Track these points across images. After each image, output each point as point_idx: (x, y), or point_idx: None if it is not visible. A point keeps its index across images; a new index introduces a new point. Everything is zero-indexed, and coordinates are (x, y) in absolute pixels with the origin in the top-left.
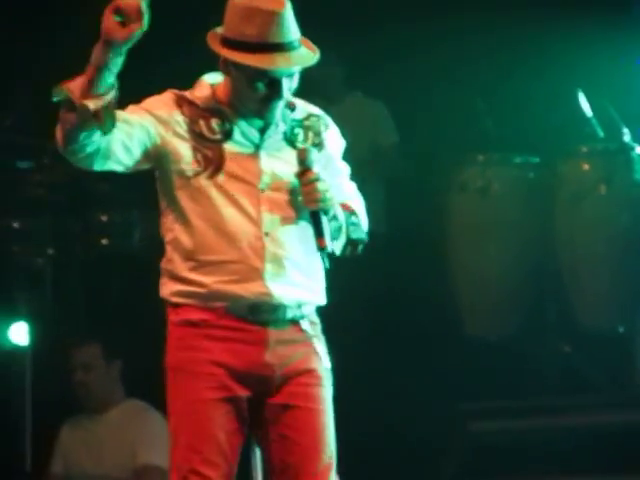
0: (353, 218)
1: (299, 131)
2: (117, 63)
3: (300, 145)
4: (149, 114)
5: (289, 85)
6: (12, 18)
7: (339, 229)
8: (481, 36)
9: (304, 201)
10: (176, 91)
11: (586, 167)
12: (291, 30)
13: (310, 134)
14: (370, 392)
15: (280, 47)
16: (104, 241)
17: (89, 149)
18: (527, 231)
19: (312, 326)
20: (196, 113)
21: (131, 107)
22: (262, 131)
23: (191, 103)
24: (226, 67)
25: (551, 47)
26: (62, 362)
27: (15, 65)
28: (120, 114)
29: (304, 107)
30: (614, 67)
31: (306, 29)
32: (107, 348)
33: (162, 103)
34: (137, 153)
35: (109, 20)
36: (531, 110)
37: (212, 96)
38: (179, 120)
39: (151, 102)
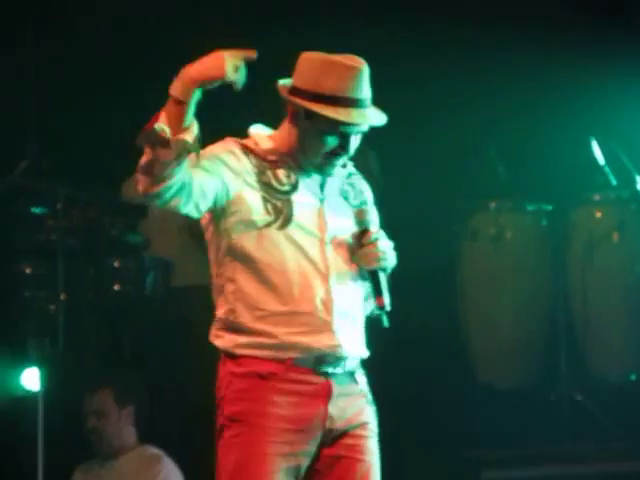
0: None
1: (348, 188)
2: (196, 98)
3: (352, 201)
4: (221, 162)
5: (356, 142)
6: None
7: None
8: (494, 83)
9: (363, 261)
10: (238, 139)
11: (599, 215)
12: (367, 88)
13: (356, 191)
14: (382, 440)
15: (356, 103)
16: (116, 287)
17: (176, 187)
18: (540, 279)
19: (362, 379)
20: (261, 164)
21: (206, 155)
22: (322, 186)
23: (256, 153)
24: (296, 118)
25: (564, 94)
26: (74, 408)
27: (28, 111)
28: (194, 160)
29: (349, 165)
30: (627, 115)
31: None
32: (119, 393)
33: (230, 152)
34: (211, 199)
35: (226, 61)
36: (544, 157)
37: (274, 148)
38: (249, 169)
39: (219, 150)
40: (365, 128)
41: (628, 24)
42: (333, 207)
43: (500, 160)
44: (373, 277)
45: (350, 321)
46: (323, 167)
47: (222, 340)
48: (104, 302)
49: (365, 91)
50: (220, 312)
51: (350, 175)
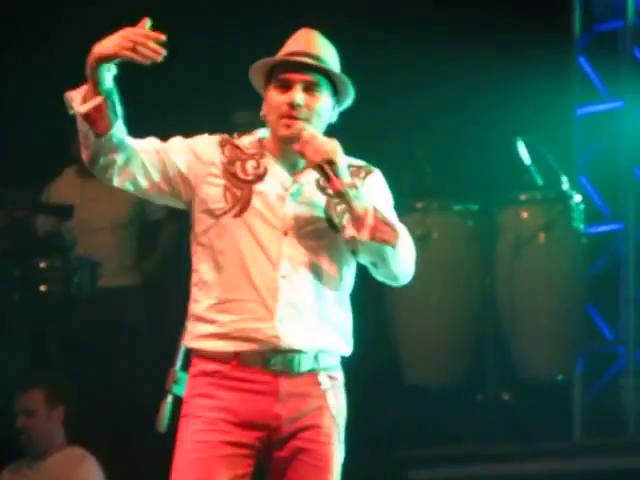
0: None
1: None
2: (104, 74)
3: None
4: (189, 149)
5: (314, 100)
6: None
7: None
8: (420, 83)
9: (309, 159)
10: (225, 136)
11: (525, 215)
12: (320, 49)
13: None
14: None
15: (302, 54)
16: (43, 287)
17: (105, 157)
18: (467, 279)
19: (330, 380)
20: (236, 155)
21: (178, 139)
22: (295, 177)
23: (235, 146)
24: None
25: (491, 95)
26: (4, 407)
27: None
28: (152, 142)
29: (346, 160)
30: (553, 115)
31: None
32: (50, 394)
33: (206, 143)
34: (155, 175)
35: (120, 38)
36: (470, 158)
37: (258, 141)
38: (216, 161)
39: (197, 140)
40: (312, 76)
41: (551, 24)
42: (303, 199)
43: (427, 161)
44: (320, 170)
45: (302, 314)
46: (284, 133)
47: (186, 335)
48: (31, 302)
49: (312, 47)
50: (189, 305)
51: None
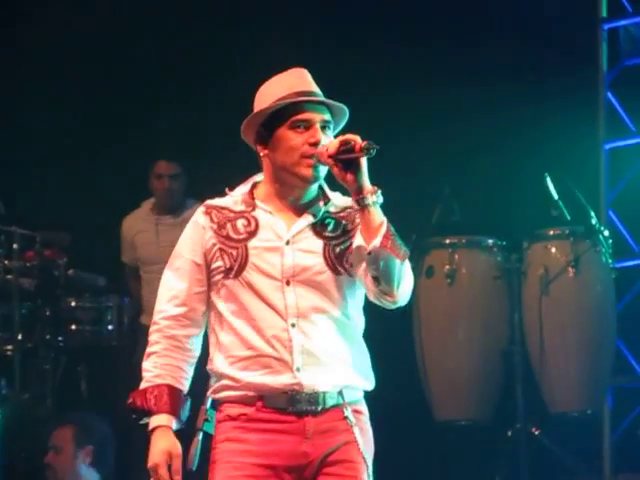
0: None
1: (330, 221)
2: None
3: (329, 234)
4: (188, 258)
5: (326, 137)
6: None
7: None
8: (447, 119)
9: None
10: (208, 202)
11: (553, 250)
12: (312, 84)
13: (343, 223)
14: None
15: (304, 94)
16: (73, 327)
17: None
18: (495, 315)
19: (356, 415)
20: (224, 217)
21: (174, 262)
22: (290, 224)
23: (220, 209)
24: (265, 147)
25: (519, 130)
26: (30, 446)
27: None
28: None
29: (341, 201)
30: (581, 150)
31: None
32: (79, 432)
33: (192, 235)
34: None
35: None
36: (498, 193)
37: (249, 191)
38: (207, 237)
39: (183, 243)
40: (327, 116)
41: (579, 59)
42: (300, 246)
43: (455, 197)
44: (341, 153)
45: (318, 358)
46: (307, 173)
47: (210, 391)
48: (61, 342)
49: (311, 85)
50: (207, 364)
51: (344, 210)
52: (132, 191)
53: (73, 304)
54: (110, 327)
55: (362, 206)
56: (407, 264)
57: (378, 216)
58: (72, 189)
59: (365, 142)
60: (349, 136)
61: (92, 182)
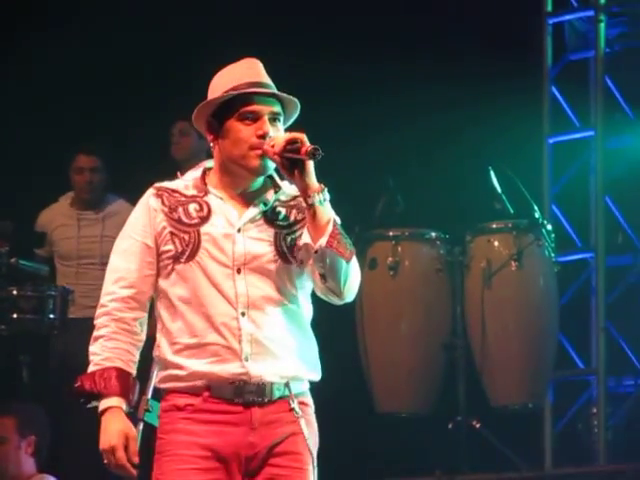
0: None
1: (281, 210)
2: None
3: (280, 223)
4: (138, 238)
5: (275, 130)
6: None
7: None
8: (392, 113)
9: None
10: (158, 184)
11: (496, 244)
12: (268, 77)
13: (294, 212)
14: None
15: (255, 84)
16: (15, 315)
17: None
18: (438, 307)
19: (302, 407)
20: (176, 201)
21: (121, 243)
22: (241, 213)
23: (172, 191)
24: (215, 135)
25: (463, 124)
26: None
27: None
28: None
29: (292, 190)
30: (525, 144)
31: None
32: (21, 423)
33: (142, 216)
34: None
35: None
36: (442, 186)
37: (201, 177)
38: (157, 220)
39: (132, 225)
40: (276, 108)
41: (522, 53)
42: (251, 233)
43: (399, 189)
44: (287, 152)
45: (266, 348)
46: (255, 165)
47: (156, 379)
48: (3, 331)
49: (262, 76)
50: (153, 350)
51: (295, 199)
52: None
53: (15, 293)
54: (52, 316)
55: (308, 205)
56: (354, 262)
57: (325, 215)
58: (16, 176)
59: (311, 147)
60: (296, 135)
61: (34, 170)
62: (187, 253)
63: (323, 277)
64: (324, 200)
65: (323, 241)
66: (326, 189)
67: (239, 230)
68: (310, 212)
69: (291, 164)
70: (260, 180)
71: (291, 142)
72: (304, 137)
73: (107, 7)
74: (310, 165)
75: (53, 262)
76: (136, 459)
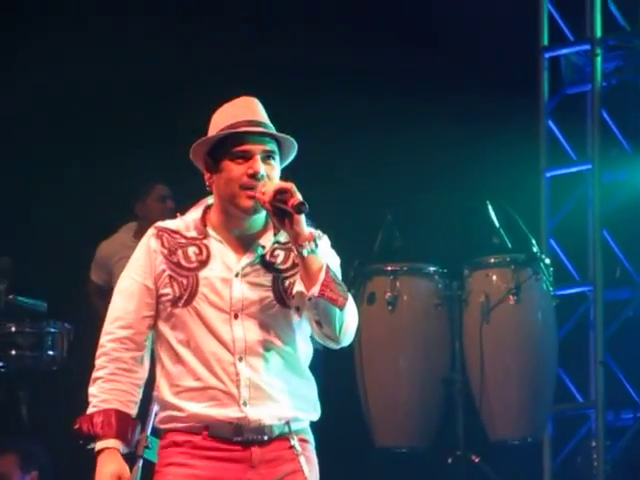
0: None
1: (280, 253)
2: None
3: (279, 267)
4: (139, 280)
5: (271, 169)
6: None
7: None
8: (390, 148)
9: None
10: (159, 225)
11: (494, 278)
12: (264, 116)
13: (292, 255)
14: None
15: (250, 123)
16: (13, 352)
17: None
18: (436, 342)
19: (301, 444)
20: (175, 243)
21: (122, 283)
22: (240, 256)
23: (172, 232)
24: (211, 175)
25: (460, 158)
26: None
27: None
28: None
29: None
30: (523, 178)
31: None
32: (23, 459)
33: (142, 257)
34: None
35: None
36: (440, 221)
37: (201, 217)
38: (157, 262)
39: (133, 265)
40: (269, 147)
41: (519, 87)
42: (249, 278)
43: (396, 224)
44: (277, 202)
45: (265, 392)
46: (247, 205)
47: (156, 419)
48: (2, 368)
49: (258, 114)
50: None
51: (281, 238)
52: (73, 218)
53: (13, 329)
54: (50, 352)
55: (299, 254)
56: (349, 306)
57: (316, 263)
58: (12, 212)
59: (297, 201)
60: (285, 185)
61: (32, 207)
62: (185, 298)
63: (318, 324)
64: (315, 248)
65: (315, 290)
66: (317, 236)
67: (237, 275)
68: (301, 261)
69: (281, 213)
70: (260, 219)
71: (280, 192)
72: (293, 188)
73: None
74: (301, 217)
75: (107, 292)
76: None
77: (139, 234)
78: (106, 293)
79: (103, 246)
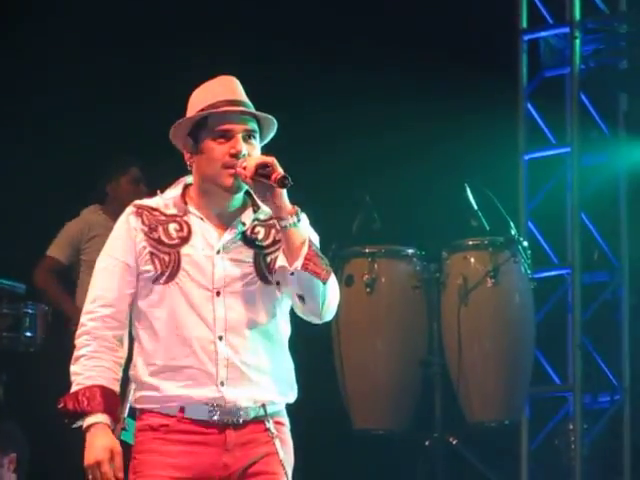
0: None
1: (260, 229)
2: None
3: (260, 243)
4: (119, 258)
5: (251, 148)
6: None
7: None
8: (369, 130)
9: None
10: (138, 202)
11: (472, 260)
12: (243, 95)
13: (273, 231)
14: None
15: (231, 102)
16: None
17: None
18: (414, 324)
19: (277, 426)
20: (156, 220)
21: (101, 262)
22: (221, 233)
23: (151, 209)
24: (191, 154)
25: (439, 140)
26: None
27: None
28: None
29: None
30: (501, 161)
31: None
32: (1, 441)
33: (122, 235)
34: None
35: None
36: (418, 203)
37: (181, 195)
38: (137, 239)
39: (112, 244)
40: (250, 126)
41: (498, 70)
42: (231, 255)
43: (375, 206)
44: (259, 176)
45: (243, 373)
46: (228, 183)
47: (132, 397)
48: None
49: (238, 93)
50: (130, 368)
51: (261, 215)
52: (52, 198)
53: None
54: (28, 334)
55: (282, 227)
56: (332, 281)
57: (299, 237)
58: None
59: (280, 174)
60: (267, 160)
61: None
62: (167, 274)
63: (301, 298)
64: (298, 222)
65: (298, 264)
66: (299, 211)
67: (218, 252)
68: (284, 235)
69: (263, 187)
70: (239, 199)
71: (262, 166)
72: (275, 162)
73: None
74: (282, 190)
75: (65, 271)
76: (121, 474)
77: (112, 214)
78: (65, 271)
79: (71, 225)
